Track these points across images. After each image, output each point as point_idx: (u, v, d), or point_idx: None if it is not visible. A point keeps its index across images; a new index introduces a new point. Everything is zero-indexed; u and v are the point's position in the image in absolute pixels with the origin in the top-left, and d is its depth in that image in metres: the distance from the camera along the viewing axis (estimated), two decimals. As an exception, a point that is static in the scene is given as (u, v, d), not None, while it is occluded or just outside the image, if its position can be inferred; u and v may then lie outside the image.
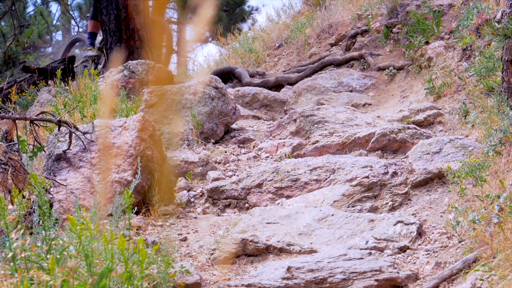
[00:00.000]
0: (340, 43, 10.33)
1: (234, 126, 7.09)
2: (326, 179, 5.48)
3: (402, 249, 4.21)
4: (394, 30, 8.99)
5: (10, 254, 3.20)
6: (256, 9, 22.28)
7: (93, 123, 5.24)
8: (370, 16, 9.70)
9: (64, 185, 4.89)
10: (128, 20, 10.05)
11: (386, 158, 5.97)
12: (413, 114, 6.97)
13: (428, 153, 5.54)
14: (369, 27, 9.51)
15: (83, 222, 3.19)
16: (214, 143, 6.69)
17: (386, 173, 5.35)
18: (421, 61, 8.05)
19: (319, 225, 4.54)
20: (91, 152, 5.07)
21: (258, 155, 6.40)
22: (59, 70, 8.23)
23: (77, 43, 13.88)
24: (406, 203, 4.97)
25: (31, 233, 3.56)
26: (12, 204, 4.45)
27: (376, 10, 9.73)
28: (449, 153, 5.50)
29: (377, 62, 8.80)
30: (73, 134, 5.09)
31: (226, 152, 6.45)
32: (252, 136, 6.83)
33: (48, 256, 3.22)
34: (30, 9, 16.13)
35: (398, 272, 3.88)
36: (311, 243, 4.36)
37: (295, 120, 6.68)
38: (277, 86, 9.18)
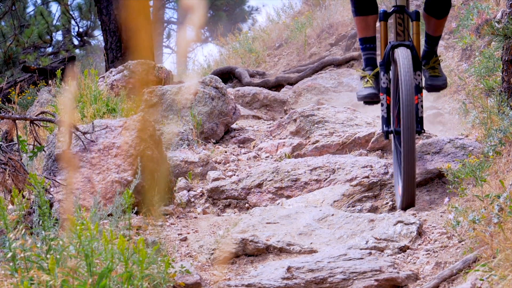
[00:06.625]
0: (340, 43, 10.34)
1: (234, 126, 7.09)
2: (326, 179, 5.48)
3: (402, 249, 4.21)
4: (394, 30, 8.99)
5: (10, 254, 3.20)
6: (256, 9, 22.30)
7: (93, 123, 5.24)
8: (370, 16, 9.70)
9: (64, 185, 4.89)
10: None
11: (386, 158, 5.97)
12: (413, 114, 6.97)
13: (428, 153, 5.54)
14: (369, 27, 9.50)
15: (83, 222, 3.19)
16: (214, 143, 6.70)
17: (386, 173, 5.35)
18: (421, 61, 8.05)
19: (319, 225, 4.54)
20: (91, 152, 5.07)
21: (258, 155, 6.40)
22: (59, 70, 8.24)
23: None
24: (406, 203, 4.96)
25: (31, 233, 3.57)
26: (12, 204, 4.46)
27: (376, 10, 9.73)
28: (449, 153, 5.50)
29: (377, 62, 8.81)
30: (73, 134, 5.09)
31: (226, 152, 6.45)
32: (252, 136, 6.83)
33: (48, 256, 3.23)
34: (30, 9, 16.13)
35: (398, 272, 3.88)
36: (311, 243, 4.36)
37: (295, 120, 6.68)
38: (277, 86, 9.19)
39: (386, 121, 5.01)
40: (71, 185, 4.90)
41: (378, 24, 5.40)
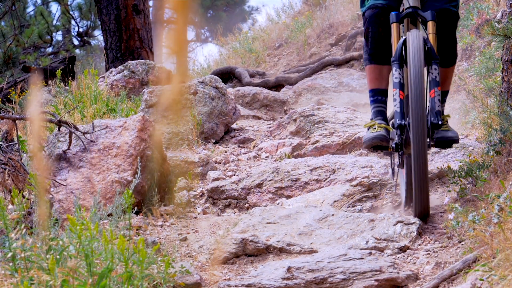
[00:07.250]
0: (340, 43, 10.34)
1: (234, 126, 7.09)
2: (326, 179, 5.48)
3: (402, 249, 4.21)
4: (394, 30, 8.99)
5: (10, 254, 3.21)
6: (256, 9, 22.34)
7: (93, 123, 5.24)
8: (370, 16, 9.71)
9: (64, 185, 4.89)
10: (128, 20, 10.06)
11: (386, 158, 5.96)
12: (413, 114, 6.97)
13: (428, 153, 5.54)
14: (369, 27, 9.51)
15: (83, 222, 3.19)
16: (214, 143, 6.70)
17: (386, 173, 5.35)
18: (421, 61, 8.05)
19: (319, 225, 4.54)
20: (91, 152, 5.07)
21: (258, 155, 6.40)
22: (59, 70, 8.24)
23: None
24: (406, 203, 4.96)
25: (31, 233, 3.57)
26: (12, 204, 4.46)
27: (376, 10, 9.74)
28: (449, 153, 5.50)
29: (377, 62, 8.81)
30: (73, 134, 5.09)
31: (226, 152, 6.45)
32: (252, 136, 6.83)
33: (48, 256, 3.23)
34: (30, 9, 16.14)
35: (398, 272, 3.88)
36: (311, 243, 4.36)
37: (295, 120, 6.68)
38: (277, 86, 9.20)
39: (400, 115, 4.51)
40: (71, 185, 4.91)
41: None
